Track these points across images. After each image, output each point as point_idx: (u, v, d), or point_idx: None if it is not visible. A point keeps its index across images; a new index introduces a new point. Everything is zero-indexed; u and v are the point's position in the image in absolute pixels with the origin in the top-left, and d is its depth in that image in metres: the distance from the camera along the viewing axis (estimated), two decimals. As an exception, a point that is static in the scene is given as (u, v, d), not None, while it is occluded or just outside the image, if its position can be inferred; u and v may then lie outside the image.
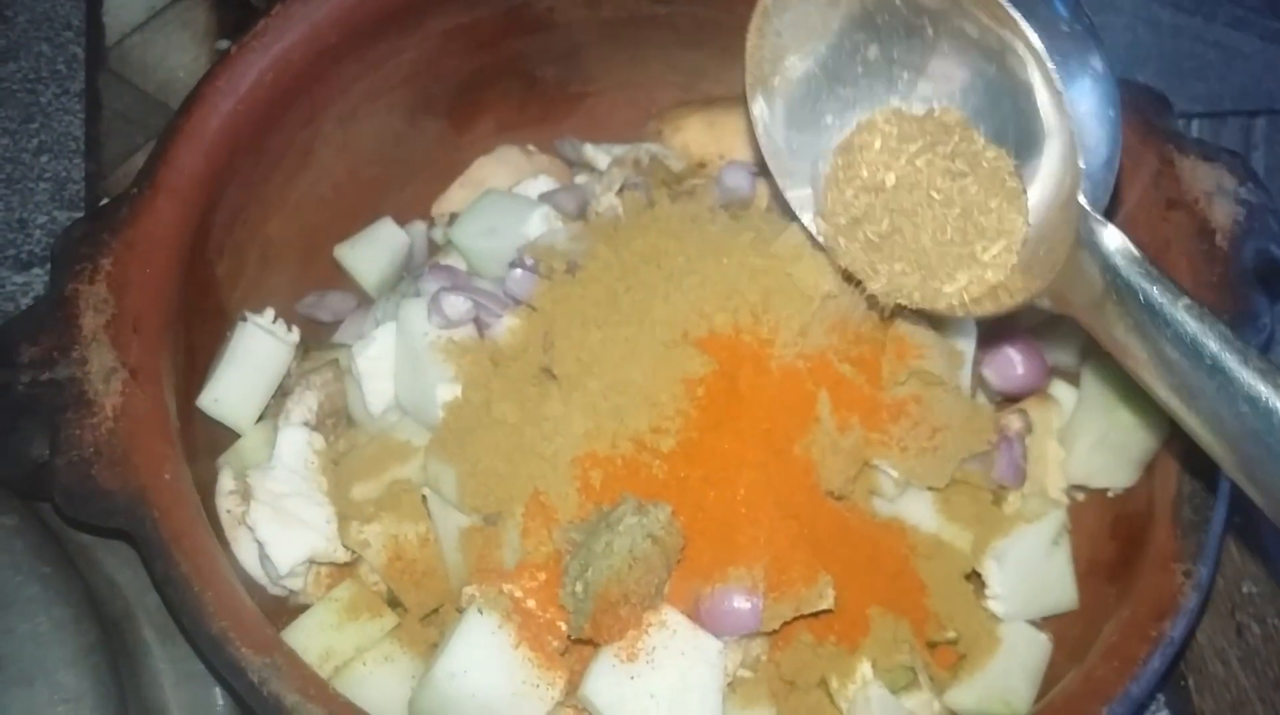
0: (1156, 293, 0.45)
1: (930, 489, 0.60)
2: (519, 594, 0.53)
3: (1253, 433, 0.43)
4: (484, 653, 0.51)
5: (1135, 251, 0.46)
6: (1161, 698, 0.70)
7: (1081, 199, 0.47)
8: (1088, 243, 0.47)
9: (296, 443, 0.57)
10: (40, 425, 0.51)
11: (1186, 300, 0.44)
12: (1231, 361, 0.43)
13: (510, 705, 0.52)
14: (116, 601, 0.59)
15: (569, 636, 0.53)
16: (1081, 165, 0.47)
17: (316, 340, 0.65)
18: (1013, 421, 0.61)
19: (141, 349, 0.53)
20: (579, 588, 0.51)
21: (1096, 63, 0.48)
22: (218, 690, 0.59)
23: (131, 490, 0.50)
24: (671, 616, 0.53)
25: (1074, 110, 0.46)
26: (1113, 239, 0.46)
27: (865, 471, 0.58)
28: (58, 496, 0.50)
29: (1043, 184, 0.50)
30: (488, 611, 0.52)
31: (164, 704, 0.58)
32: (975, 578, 0.60)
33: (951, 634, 0.59)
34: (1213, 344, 0.43)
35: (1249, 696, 0.70)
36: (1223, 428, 0.44)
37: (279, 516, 0.54)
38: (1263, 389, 0.42)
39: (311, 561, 0.56)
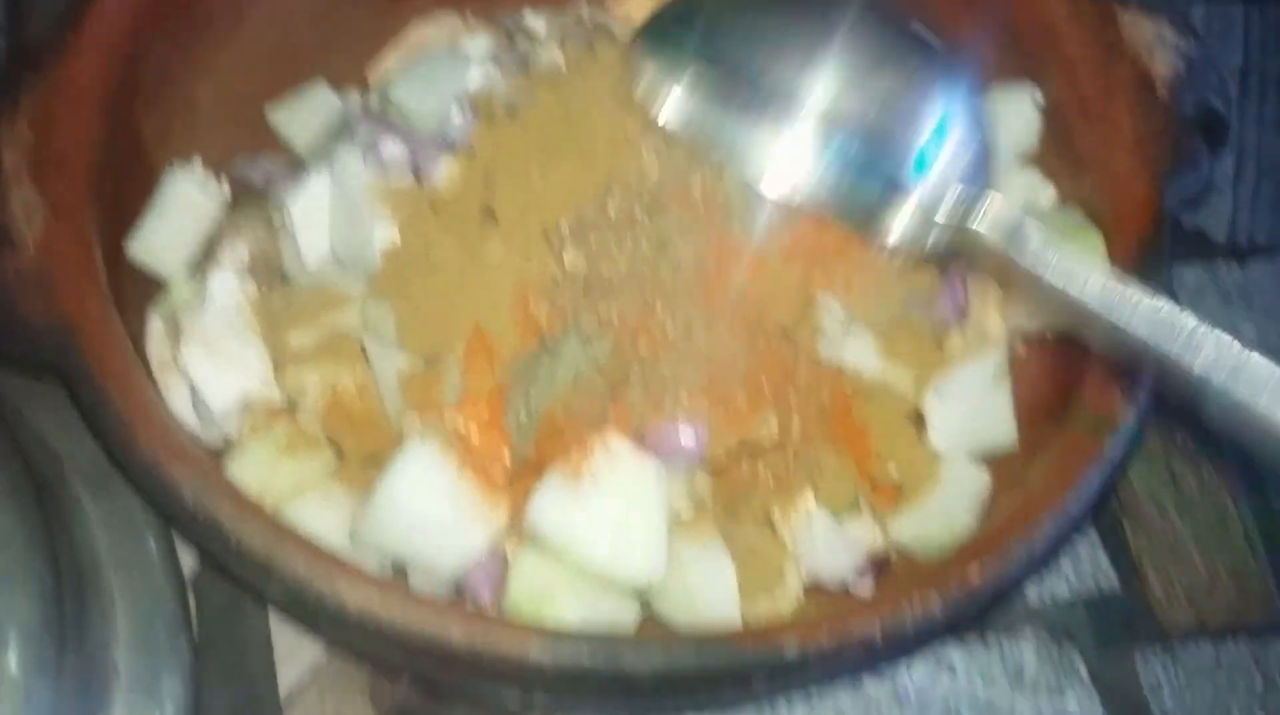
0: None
1: (872, 331, 0.60)
2: (460, 425, 0.52)
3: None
4: (426, 477, 0.51)
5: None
6: (1098, 539, 0.71)
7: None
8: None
9: (228, 285, 0.56)
10: (-40, 262, 0.50)
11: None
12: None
13: (453, 531, 0.51)
14: (45, 457, 0.57)
15: (511, 465, 0.53)
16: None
17: (248, 198, 0.63)
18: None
19: (65, 188, 0.51)
20: (522, 415, 0.51)
21: None
22: (150, 539, 0.58)
23: (56, 321, 0.48)
24: (615, 441, 0.53)
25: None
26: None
27: (809, 311, 0.59)
28: (-20, 331, 0.49)
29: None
30: (429, 439, 0.51)
31: (97, 558, 0.57)
32: (917, 422, 0.61)
33: (893, 472, 0.60)
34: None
35: (1184, 541, 0.71)
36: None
37: (211, 356, 0.53)
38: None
39: (246, 405, 0.55)
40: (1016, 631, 0.68)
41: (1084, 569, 0.70)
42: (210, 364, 0.54)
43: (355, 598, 0.45)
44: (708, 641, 0.48)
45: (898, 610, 0.50)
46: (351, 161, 0.57)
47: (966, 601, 0.51)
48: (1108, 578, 0.70)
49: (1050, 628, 0.68)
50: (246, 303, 0.56)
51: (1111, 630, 0.69)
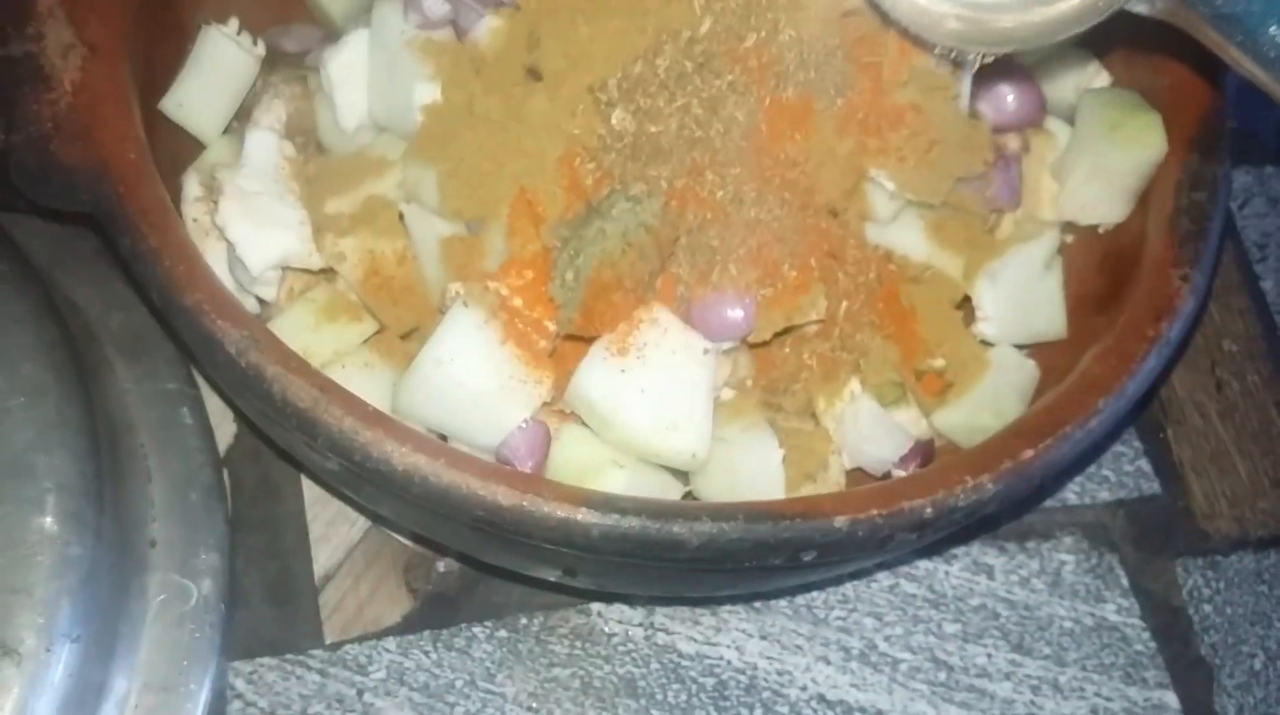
0: None
1: (923, 213, 0.58)
2: (505, 292, 0.51)
3: None
4: (470, 344, 0.50)
5: None
6: (1140, 446, 0.70)
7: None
8: None
9: (266, 145, 0.54)
10: (-6, 106, 0.48)
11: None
12: None
13: (497, 399, 0.50)
14: (76, 322, 0.56)
15: (557, 334, 0.51)
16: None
17: (284, 62, 0.61)
18: (1010, 141, 0.59)
19: (100, 27, 0.50)
20: (569, 276, 0.49)
21: None
22: (185, 409, 0.57)
23: (93, 165, 0.47)
24: (663, 314, 0.51)
25: None
26: None
27: (860, 190, 0.57)
28: (16, 177, 0.47)
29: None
30: (474, 305, 0.50)
31: (130, 421, 0.55)
32: (964, 308, 0.60)
33: (940, 362, 0.58)
34: None
35: (1227, 448, 0.70)
36: None
37: (250, 215, 0.52)
38: None
39: (284, 266, 0.53)
40: (1056, 537, 0.67)
41: (1126, 475, 0.69)
42: (249, 222, 0.52)
43: (402, 457, 0.44)
44: (757, 511, 0.47)
45: (949, 487, 0.49)
46: (392, 15, 0.55)
47: (1019, 481, 0.50)
48: (1150, 485, 0.69)
49: (1090, 535, 0.67)
50: (285, 164, 0.54)
51: (1152, 538, 0.68)
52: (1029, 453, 0.50)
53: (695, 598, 0.62)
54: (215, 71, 0.56)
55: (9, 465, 0.48)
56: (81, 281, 0.58)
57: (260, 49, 0.58)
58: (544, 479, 0.49)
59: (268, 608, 0.60)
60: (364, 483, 0.47)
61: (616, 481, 0.51)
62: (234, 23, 0.58)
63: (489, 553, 0.51)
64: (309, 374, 0.45)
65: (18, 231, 0.55)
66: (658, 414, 0.51)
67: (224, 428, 0.61)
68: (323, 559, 0.61)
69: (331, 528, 0.62)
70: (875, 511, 0.47)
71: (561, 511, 0.45)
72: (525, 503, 0.45)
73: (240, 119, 0.58)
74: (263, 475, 0.62)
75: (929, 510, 0.48)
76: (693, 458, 0.52)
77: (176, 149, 0.56)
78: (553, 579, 0.53)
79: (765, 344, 0.56)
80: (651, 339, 0.52)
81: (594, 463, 0.52)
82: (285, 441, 0.51)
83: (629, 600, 0.62)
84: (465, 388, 0.50)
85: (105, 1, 0.50)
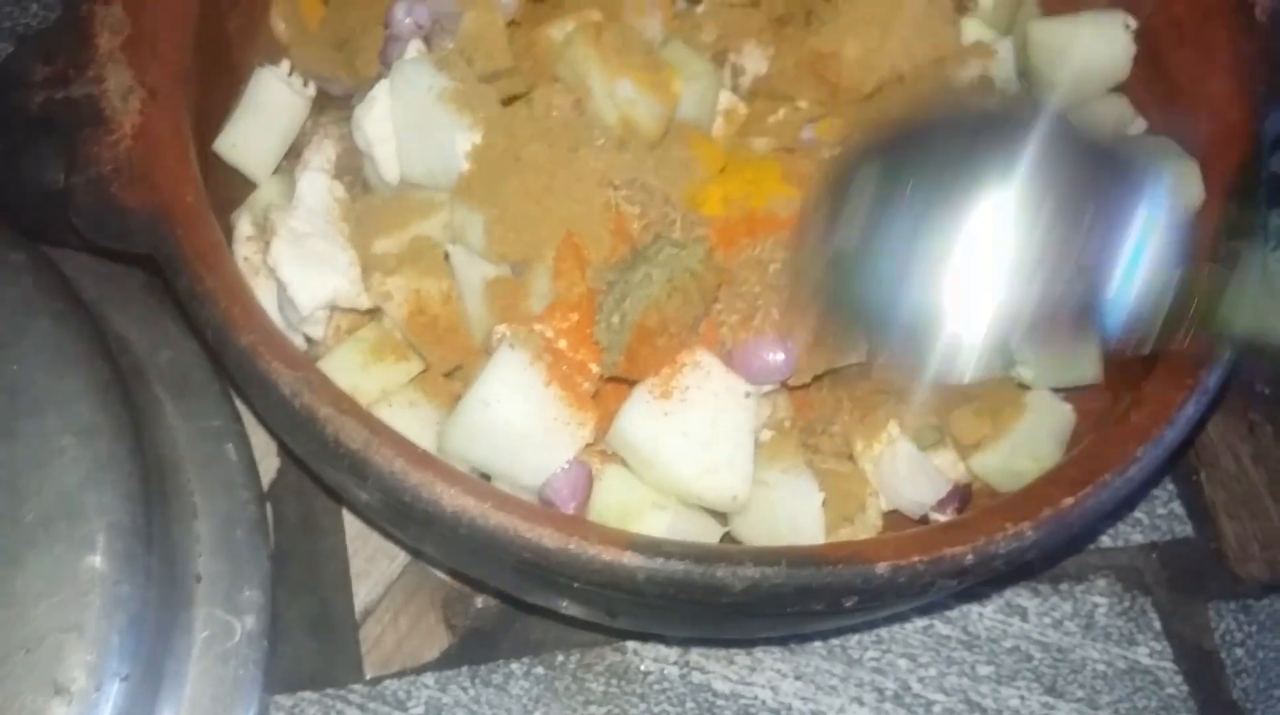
0: None
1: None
2: (550, 334, 0.52)
3: None
4: (516, 385, 0.50)
5: None
6: (1174, 489, 0.70)
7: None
8: None
9: (317, 186, 0.55)
10: (56, 148, 0.49)
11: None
12: None
13: (542, 441, 0.51)
14: (126, 359, 0.57)
15: (601, 376, 0.52)
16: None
17: (332, 102, 0.62)
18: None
19: (160, 72, 0.50)
20: (615, 319, 0.50)
21: None
22: (230, 446, 0.57)
23: (153, 208, 0.48)
24: (705, 358, 0.52)
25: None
26: None
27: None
28: (75, 218, 0.48)
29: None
30: (519, 347, 0.51)
31: (177, 458, 0.56)
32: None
33: (978, 403, 0.59)
34: None
35: (1259, 492, 0.71)
36: None
37: (301, 255, 0.53)
38: None
39: (333, 306, 0.54)
40: (1089, 580, 0.67)
41: (1159, 517, 0.69)
42: (299, 263, 0.53)
43: (451, 498, 0.45)
44: (800, 557, 0.47)
45: (990, 534, 0.49)
46: (415, 73, 0.55)
47: (1058, 529, 0.50)
48: (1183, 527, 0.69)
49: (1123, 578, 0.67)
50: (335, 204, 0.55)
51: (1185, 581, 0.68)
52: (1068, 501, 0.50)
53: (732, 639, 0.62)
54: (267, 113, 0.57)
55: (61, 504, 0.49)
56: (130, 318, 0.59)
57: (311, 90, 0.59)
58: (589, 522, 0.49)
59: (308, 641, 0.60)
60: (410, 523, 0.48)
61: (658, 523, 0.52)
62: (285, 65, 0.59)
63: (532, 593, 0.52)
64: (360, 416, 0.46)
65: (68, 267, 0.56)
66: (700, 457, 0.52)
67: (267, 462, 0.62)
68: (363, 594, 0.61)
69: (372, 563, 0.62)
70: (917, 558, 0.48)
71: (607, 555, 0.45)
72: (571, 546, 0.45)
73: (290, 158, 0.59)
74: (305, 510, 0.63)
75: (970, 557, 0.48)
76: (734, 500, 0.52)
77: (228, 188, 0.57)
78: (594, 620, 0.53)
79: (804, 386, 0.57)
80: (694, 382, 0.52)
81: (636, 504, 0.52)
82: (333, 480, 0.52)
83: (665, 639, 0.62)
84: (511, 428, 0.51)
85: (165, 45, 0.51)
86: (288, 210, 0.54)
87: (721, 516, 0.55)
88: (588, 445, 0.53)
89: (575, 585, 0.47)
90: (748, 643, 0.63)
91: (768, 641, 0.63)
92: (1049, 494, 0.50)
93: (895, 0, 0.58)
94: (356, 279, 0.54)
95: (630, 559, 0.45)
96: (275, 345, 0.46)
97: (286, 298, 0.53)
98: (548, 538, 0.45)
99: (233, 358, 0.46)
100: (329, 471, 0.50)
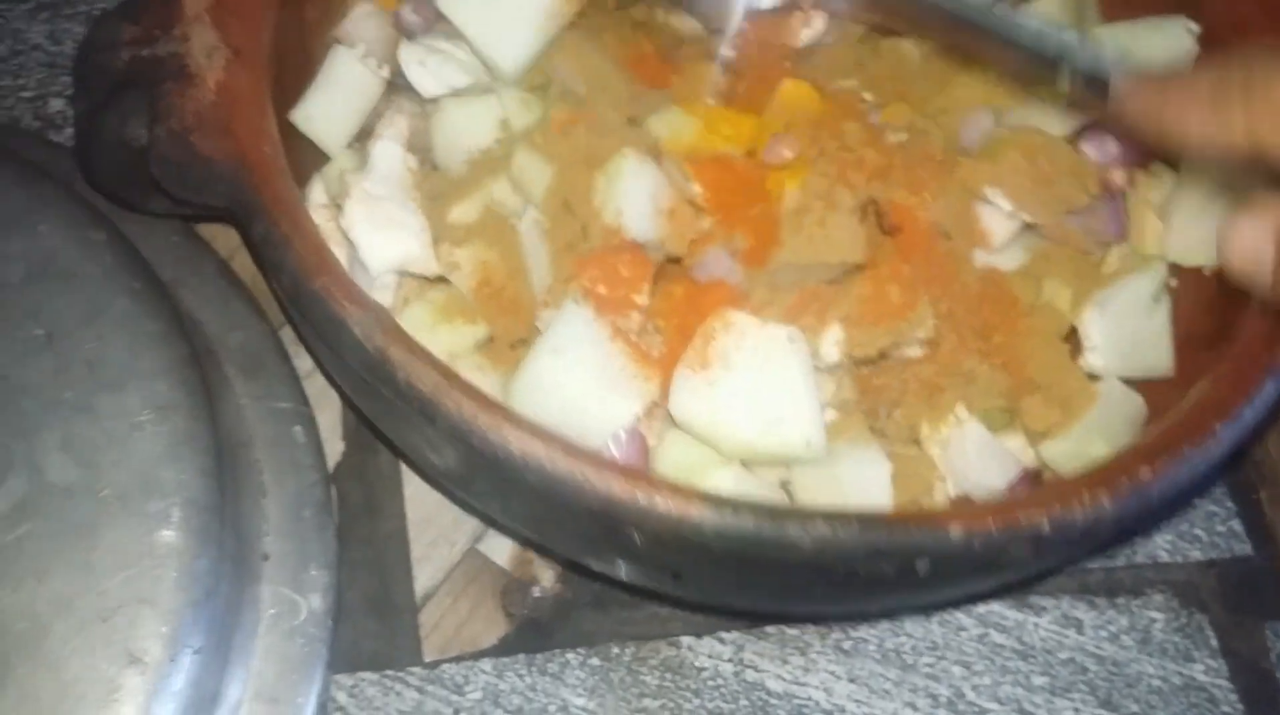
0: None
1: (1031, 243, 0.59)
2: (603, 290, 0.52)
3: None
4: (584, 335, 0.51)
5: None
6: (1234, 507, 0.69)
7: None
8: None
9: (391, 153, 0.55)
10: (140, 102, 0.50)
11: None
12: None
13: (611, 392, 0.50)
14: (199, 339, 0.58)
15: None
16: None
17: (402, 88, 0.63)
18: (1115, 176, 0.60)
19: (243, 34, 0.52)
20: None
21: None
22: (299, 428, 0.58)
23: (232, 158, 0.48)
24: (735, 317, 0.52)
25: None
26: None
27: (971, 214, 0.57)
28: (156, 169, 0.49)
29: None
30: (583, 302, 0.51)
31: (248, 437, 0.57)
32: (1071, 341, 0.59)
33: (1045, 394, 0.58)
34: None
35: (1321, 511, 0.69)
36: None
37: (373, 218, 0.53)
38: None
39: (403, 271, 0.54)
40: (1146, 595, 0.66)
41: (1218, 535, 0.68)
42: (372, 225, 0.53)
43: (520, 442, 0.44)
44: (872, 517, 0.46)
45: (1067, 503, 0.48)
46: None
47: (1136, 501, 0.49)
48: (1242, 546, 0.68)
49: (1181, 594, 0.66)
50: (408, 173, 0.56)
51: (1243, 600, 0.66)
52: (1147, 472, 0.49)
53: (797, 616, 0.61)
54: (343, 88, 0.58)
55: (138, 480, 0.49)
56: (204, 299, 0.60)
57: (385, 72, 0.60)
58: (658, 476, 0.49)
59: (369, 623, 0.59)
60: (477, 472, 0.47)
61: (723, 485, 0.51)
62: (361, 47, 0.60)
63: (597, 553, 0.51)
64: (431, 360, 0.46)
65: (146, 248, 0.57)
66: (760, 414, 0.51)
67: (332, 445, 0.62)
68: (423, 578, 0.61)
69: (433, 548, 0.62)
70: (992, 523, 0.47)
71: (676, 506, 0.44)
72: (639, 495, 0.44)
73: (362, 138, 0.60)
74: (368, 493, 0.62)
75: (1045, 525, 0.47)
76: (807, 446, 0.51)
77: (303, 158, 0.58)
78: (657, 587, 0.52)
79: (870, 364, 0.56)
80: (731, 344, 0.52)
81: (701, 464, 0.52)
82: (399, 436, 0.51)
83: (721, 634, 0.61)
84: (581, 377, 0.51)
85: (249, 10, 0.53)
86: (362, 173, 0.54)
87: (787, 492, 0.54)
88: (654, 404, 0.52)
89: (640, 543, 0.46)
90: (812, 623, 0.61)
91: (823, 642, 0.61)
92: (1127, 465, 0.49)
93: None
94: (428, 243, 0.54)
95: (700, 511, 0.44)
96: (348, 288, 0.46)
97: (358, 260, 0.54)
98: (616, 486, 0.45)
99: (307, 301, 0.46)
100: (396, 424, 0.50)
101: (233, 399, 0.58)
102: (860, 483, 0.53)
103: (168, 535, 0.49)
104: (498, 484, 0.47)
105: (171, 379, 0.52)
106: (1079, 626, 0.64)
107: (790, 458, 0.51)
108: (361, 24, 0.62)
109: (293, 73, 0.59)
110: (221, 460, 0.52)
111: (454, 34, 0.58)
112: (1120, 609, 0.65)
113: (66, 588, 0.48)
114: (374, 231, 0.53)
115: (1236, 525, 0.68)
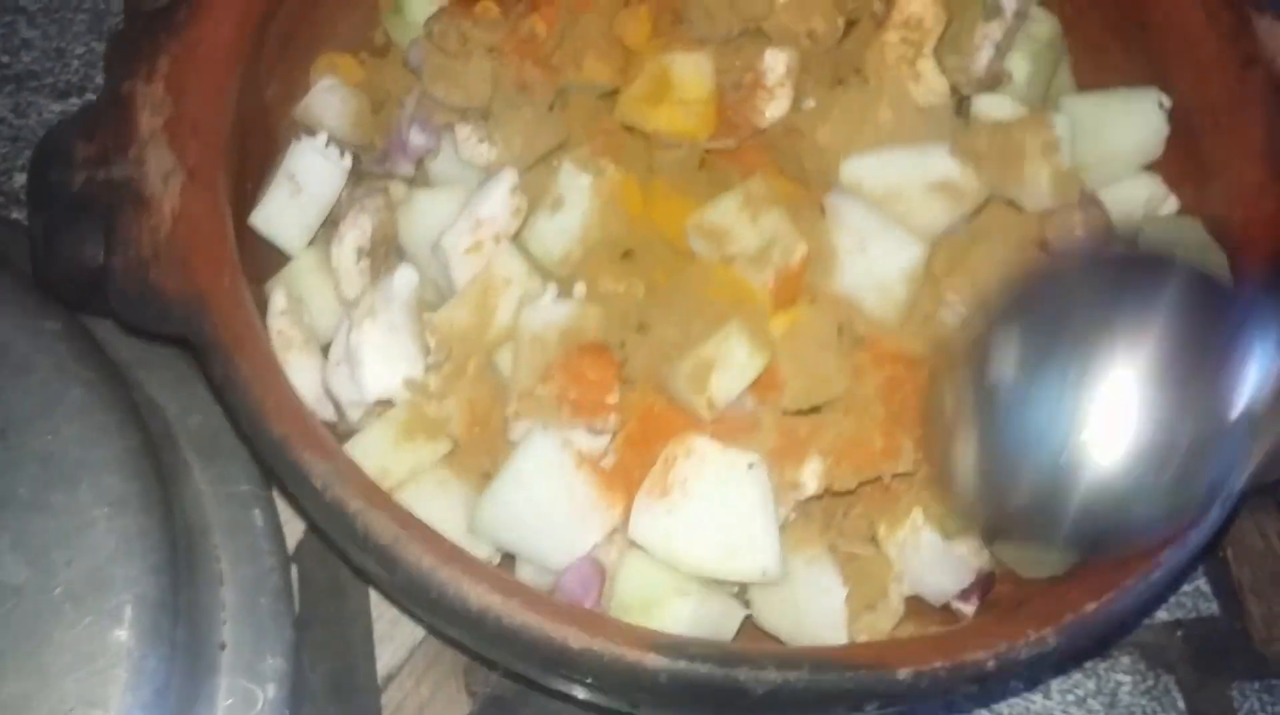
0: None
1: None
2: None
3: None
4: (548, 465, 0.51)
5: None
6: (1201, 568, 0.70)
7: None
8: None
9: (407, 281, 0.55)
10: (96, 226, 0.49)
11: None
12: None
13: (573, 520, 0.51)
14: (156, 422, 0.57)
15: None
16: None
17: (367, 171, 0.63)
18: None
19: (200, 153, 0.51)
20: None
21: None
22: (257, 511, 0.58)
23: (190, 294, 0.48)
24: (696, 443, 0.52)
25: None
26: None
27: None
28: (113, 300, 0.49)
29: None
30: (550, 431, 0.51)
31: (206, 523, 0.57)
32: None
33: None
34: None
35: (1287, 569, 0.70)
36: None
37: (387, 349, 0.53)
38: None
39: (391, 399, 0.54)
40: (1113, 657, 0.67)
41: (1184, 595, 0.69)
42: (382, 355, 0.53)
43: (478, 595, 0.45)
44: (822, 661, 0.47)
45: (1012, 640, 0.49)
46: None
47: (1081, 633, 0.50)
48: (1209, 605, 0.69)
49: (1148, 655, 0.67)
50: (414, 298, 0.55)
51: (1209, 661, 0.67)
52: (1091, 605, 0.50)
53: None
54: (303, 186, 0.57)
55: (90, 578, 0.50)
56: (161, 381, 0.60)
57: (347, 162, 0.60)
58: (614, 620, 0.50)
59: (331, 705, 0.60)
60: (436, 615, 0.48)
61: (682, 610, 0.52)
62: (323, 135, 0.59)
63: (555, 682, 0.52)
64: (391, 509, 0.46)
65: (101, 329, 0.57)
66: (718, 542, 0.52)
67: (294, 525, 0.62)
68: (386, 657, 0.62)
69: (395, 626, 0.62)
70: (939, 664, 0.48)
71: (630, 656, 0.46)
72: (595, 646, 0.45)
73: (327, 227, 0.59)
74: (330, 573, 0.63)
75: (991, 663, 0.48)
76: (764, 574, 0.52)
77: (264, 258, 0.58)
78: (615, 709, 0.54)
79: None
80: (691, 471, 0.52)
81: (659, 591, 0.53)
82: (360, 564, 0.52)
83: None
84: (543, 506, 0.52)
85: (206, 123, 0.52)
86: (389, 301, 0.54)
87: (745, 601, 0.55)
88: (615, 531, 0.53)
89: (596, 684, 0.48)
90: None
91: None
92: (1072, 598, 0.50)
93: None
94: (423, 372, 0.54)
95: (653, 660, 0.46)
96: (308, 435, 0.46)
97: (352, 377, 0.53)
98: (572, 638, 0.46)
99: (266, 448, 0.47)
100: (357, 557, 0.51)
101: (191, 485, 0.58)
102: (815, 604, 0.54)
103: (119, 634, 0.49)
104: (454, 627, 0.48)
105: (126, 472, 0.52)
106: (1045, 691, 0.65)
107: (747, 582, 0.52)
108: (323, 98, 0.61)
109: (255, 157, 0.59)
110: (177, 552, 0.52)
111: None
112: (1087, 672, 0.66)
113: (19, 689, 0.48)
114: (382, 362, 0.53)
115: (1203, 584, 0.69)
